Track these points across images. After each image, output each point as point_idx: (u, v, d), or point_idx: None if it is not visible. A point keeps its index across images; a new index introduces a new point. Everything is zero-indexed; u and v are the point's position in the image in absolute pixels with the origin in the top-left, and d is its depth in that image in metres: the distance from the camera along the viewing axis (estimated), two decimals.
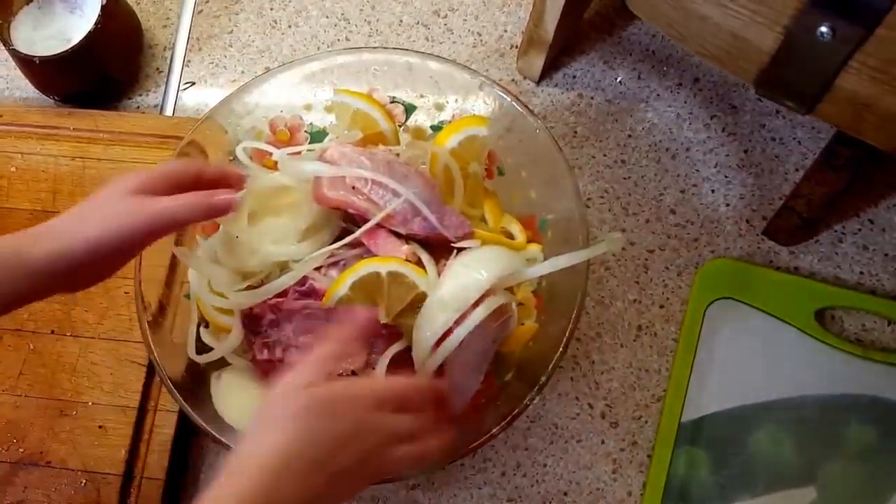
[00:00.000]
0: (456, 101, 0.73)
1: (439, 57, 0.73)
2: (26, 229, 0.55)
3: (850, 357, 0.71)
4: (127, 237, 0.53)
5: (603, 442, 0.72)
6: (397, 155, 0.67)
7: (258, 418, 0.50)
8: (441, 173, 0.68)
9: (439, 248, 0.65)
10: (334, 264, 0.65)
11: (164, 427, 0.70)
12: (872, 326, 0.73)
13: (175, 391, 0.63)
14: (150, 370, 0.72)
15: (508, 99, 0.70)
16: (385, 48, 0.86)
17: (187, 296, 0.69)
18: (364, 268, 0.62)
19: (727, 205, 0.78)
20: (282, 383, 0.51)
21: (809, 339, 0.72)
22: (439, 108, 0.74)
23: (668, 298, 0.75)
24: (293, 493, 0.47)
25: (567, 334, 0.61)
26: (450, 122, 0.72)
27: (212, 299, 0.66)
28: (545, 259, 0.65)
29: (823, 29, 0.52)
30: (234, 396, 0.65)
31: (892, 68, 0.52)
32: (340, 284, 0.62)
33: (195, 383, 0.65)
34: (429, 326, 0.60)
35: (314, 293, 0.64)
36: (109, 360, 0.73)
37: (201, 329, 0.68)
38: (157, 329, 0.66)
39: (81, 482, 0.69)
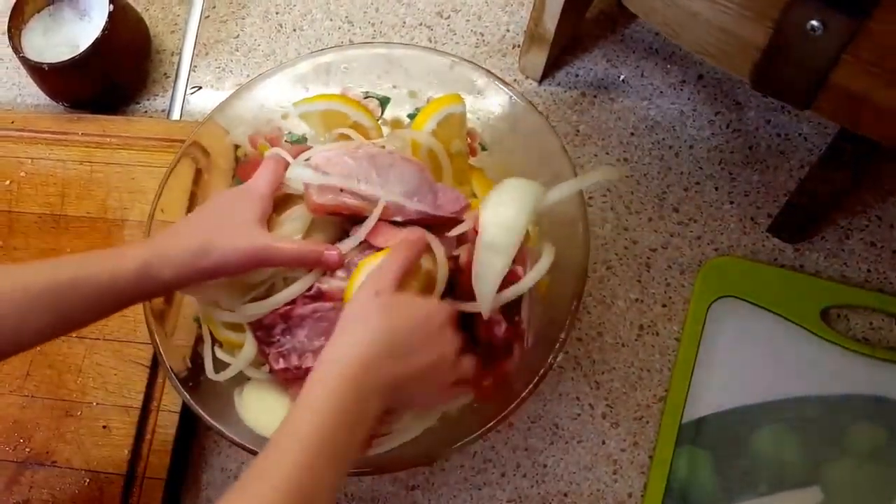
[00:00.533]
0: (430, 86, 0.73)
1: (407, 45, 0.73)
2: (151, 240, 0.65)
3: (856, 356, 0.70)
4: (243, 264, 0.60)
5: (604, 442, 0.71)
6: (383, 147, 0.66)
7: (340, 324, 0.55)
8: (426, 157, 0.67)
9: (439, 228, 0.64)
10: None
11: (166, 427, 0.71)
12: (879, 325, 0.72)
13: (180, 386, 0.63)
14: (153, 371, 0.73)
15: (486, 78, 0.70)
16: (353, 45, 0.87)
17: (196, 319, 0.69)
18: (370, 264, 0.61)
19: (731, 202, 0.77)
20: (360, 292, 0.56)
21: (815, 338, 0.71)
22: (412, 95, 0.74)
23: (670, 297, 0.75)
24: (376, 382, 0.52)
25: (578, 294, 0.63)
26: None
27: (220, 314, 0.65)
28: (541, 246, 0.64)
29: (814, 23, 0.51)
30: (260, 407, 0.65)
31: (886, 61, 0.51)
32: (352, 288, 0.61)
33: (196, 382, 0.66)
34: (487, 275, 0.61)
35: (322, 296, 0.64)
36: (113, 360, 0.74)
37: (215, 348, 0.67)
38: (159, 330, 0.66)
39: (85, 482, 0.70)
